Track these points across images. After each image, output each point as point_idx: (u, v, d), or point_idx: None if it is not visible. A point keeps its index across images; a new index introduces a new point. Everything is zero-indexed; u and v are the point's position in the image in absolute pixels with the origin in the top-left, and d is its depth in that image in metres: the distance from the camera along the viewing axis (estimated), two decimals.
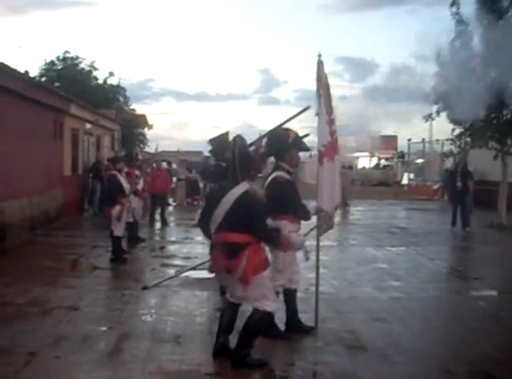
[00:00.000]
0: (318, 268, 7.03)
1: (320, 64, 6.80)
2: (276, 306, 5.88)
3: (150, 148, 40.47)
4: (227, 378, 5.49)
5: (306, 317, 6.97)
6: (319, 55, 6.80)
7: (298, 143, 6.67)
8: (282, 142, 6.57)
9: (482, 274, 10.72)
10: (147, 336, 6.63)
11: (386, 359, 6.00)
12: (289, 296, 6.78)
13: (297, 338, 6.59)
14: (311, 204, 6.72)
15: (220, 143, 7.97)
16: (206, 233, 6.08)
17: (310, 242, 8.42)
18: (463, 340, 6.79)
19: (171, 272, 10.25)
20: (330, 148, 6.73)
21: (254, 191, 5.65)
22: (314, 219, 6.87)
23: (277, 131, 6.73)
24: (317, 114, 6.73)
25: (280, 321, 6.74)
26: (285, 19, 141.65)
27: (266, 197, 6.36)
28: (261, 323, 5.79)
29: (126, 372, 5.56)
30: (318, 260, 7.01)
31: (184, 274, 9.74)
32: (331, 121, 6.79)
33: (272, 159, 6.92)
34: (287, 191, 6.47)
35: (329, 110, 6.79)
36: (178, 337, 6.56)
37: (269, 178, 6.61)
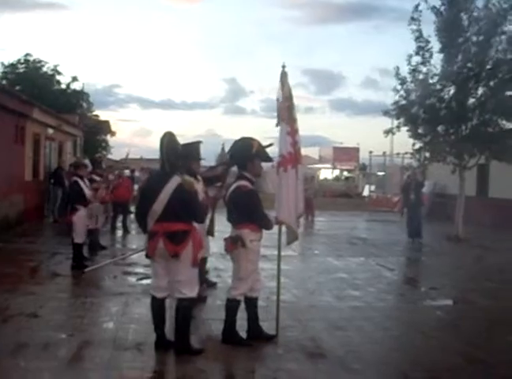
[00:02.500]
0: (279, 277, 7.13)
1: (283, 75, 6.92)
2: (197, 291, 6.36)
3: (113, 155, 40.25)
4: None
5: (266, 325, 7.03)
6: (283, 66, 6.93)
7: (261, 153, 6.76)
8: (245, 152, 6.65)
9: (439, 284, 10.93)
10: (108, 344, 6.62)
11: (345, 367, 6.11)
12: (250, 304, 6.83)
13: (258, 345, 6.66)
14: (273, 214, 6.84)
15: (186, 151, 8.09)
16: (142, 225, 6.44)
17: (272, 252, 8.59)
18: (421, 348, 6.97)
19: (133, 279, 10.26)
20: (291, 158, 6.84)
21: (187, 182, 6.18)
22: (275, 228, 6.98)
23: (241, 141, 6.83)
24: (277, 125, 6.87)
25: (242, 329, 6.80)
26: (253, 29, 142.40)
27: (229, 205, 6.58)
28: (190, 309, 6.30)
29: None
30: (279, 269, 7.11)
31: (145, 281, 9.75)
32: (293, 132, 6.91)
33: (235, 168, 7.04)
34: (249, 200, 6.54)
35: (292, 120, 6.91)
36: (139, 345, 6.55)
37: (232, 187, 6.70)
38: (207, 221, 7.42)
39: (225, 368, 6.10)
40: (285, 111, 6.84)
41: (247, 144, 6.72)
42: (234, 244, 6.53)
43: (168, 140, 6.29)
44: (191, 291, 6.23)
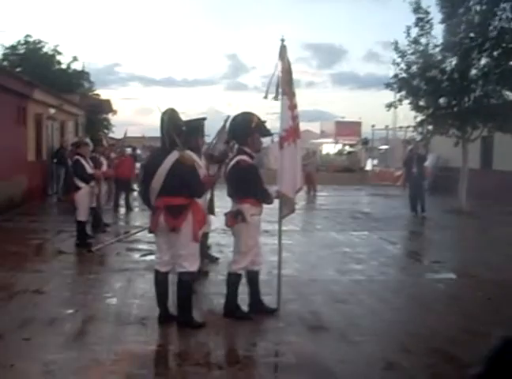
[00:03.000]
0: (280, 250, 7.18)
1: (283, 48, 6.90)
2: (198, 266, 6.51)
3: (115, 134, 40.22)
4: (192, 357, 5.59)
5: (268, 299, 7.12)
6: (282, 40, 6.90)
7: (260, 128, 6.78)
8: (245, 127, 6.67)
9: (441, 258, 10.97)
10: (112, 319, 6.73)
11: (347, 339, 6.18)
12: (252, 278, 6.91)
13: (259, 319, 6.74)
14: (273, 188, 6.87)
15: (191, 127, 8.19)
16: (146, 201, 6.54)
17: (274, 227, 8.64)
18: (421, 321, 7.03)
19: (136, 256, 10.34)
20: (292, 133, 6.87)
21: (184, 158, 6.26)
22: (276, 202, 7.02)
23: (240, 116, 6.84)
24: (277, 99, 6.86)
25: (243, 303, 6.89)
26: (254, 4, 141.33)
27: (229, 180, 6.63)
28: (191, 283, 6.45)
29: (92, 353, 5.62)
30: (280, 243, 7.16)
31: (149, 257, 9.84)
32: (293, 106, 6.91)
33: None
34: (249, 175, 6.59)
35: (291, 95, 6.91)
36: (143, 319, 6.64)
37: (232, 162, 6.74)
38: (207, 198, 7.48)
39: (227, 341, 6.18)
40: (285, 85, 6.84)
41: (247, 118, 6.74)
42: (234, 219, 6.59)
43: (169, 116, 6.34)
44: (192, 265, 6.34)
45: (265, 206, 6.83)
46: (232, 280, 6.75)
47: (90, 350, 5.71)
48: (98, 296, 7.80)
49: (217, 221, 9.67)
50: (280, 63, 6.85)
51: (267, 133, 6.95)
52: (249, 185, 6.57)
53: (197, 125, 8.41)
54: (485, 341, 6.18)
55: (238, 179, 6.60)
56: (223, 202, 7.24)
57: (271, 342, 6.09)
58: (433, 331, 6.59)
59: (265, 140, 7.18)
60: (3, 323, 6.48)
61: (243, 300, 6.90)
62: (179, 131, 6.38)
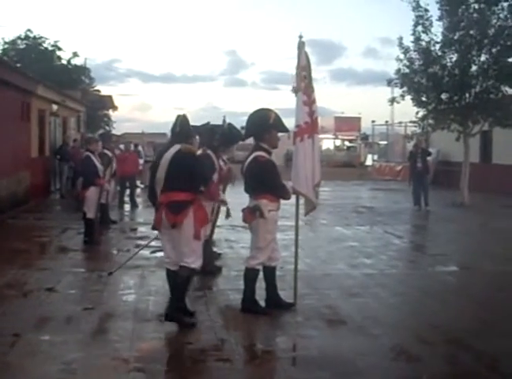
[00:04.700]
0: (296, 246, 7.23)
1: (300, 45, 6.95)
2: (200, 264, 6.40)
3: (115, 130, 40.18)
4: (213, 353, 5.60)
5: (283, 294, 7.14)
6: (300, 36, 6.95)
7: (278, 124, 6.79)
8: (263, 123, 6.70)
9: (447, 251, 11.09)
10: (129, 316, 6.73)
11: (365, 332, 6.23)
12: (269, 273, 6.92)
13: (277, 314, 6.77)
14: (290, 184, 6.89)
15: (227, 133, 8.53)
16: (151, 199, 6.54)
17: (283, 222, 8.67)
18: (435, 312, 7.10)
19: (146, 252, 10.32)
20: (308, 128, 6.90)
21: (186, 148, 6.25)
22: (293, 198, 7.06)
23: (258, 112, 6.86)
24: (295, 94, 6.92)
25: (260, 298, 6.92)
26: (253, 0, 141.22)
27: (246, 176, 6.65)
28: (189, 279, 6.40)
29: (114, 350, 5.63)
30: (297, 238, 7.21)
31: (159, 254, 9.84)
32: (311, 102, 6.95)
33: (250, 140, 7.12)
34: (267, 170, 6.61)
35: (309, 90, 6.95)
36: (160, 316, 6.61)
37: (249, 158, 6.75)
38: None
39: (247, 336, 6.19)
40: (301, 81, 6.87)
41: (264, 115, 6.77)
42: (252, 214, 6.60)
43: (183, 118, 6.47)
44: (194, 262, 6.28)
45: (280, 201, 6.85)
46: (250, 275, 6.76)
47: (112, 347, 5.72)
48: (112, 293, 7.81)
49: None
50: (298, 59, 6.90)
51: (284, 129, 6.95)
52: (266, 181, 6.58)
53: (233, 137, 8.64)
54: (500, 331, 6.30)
55: (255, 175, 6.62)
56: (235, 198, 7.25)
57: (290, 336, 6.16)
58: (449, 322, 6.68)
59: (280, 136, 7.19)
60: (19, 321, 6.44)
61: (260, 295, 6.93)
62: (190, 131, 6.57)
